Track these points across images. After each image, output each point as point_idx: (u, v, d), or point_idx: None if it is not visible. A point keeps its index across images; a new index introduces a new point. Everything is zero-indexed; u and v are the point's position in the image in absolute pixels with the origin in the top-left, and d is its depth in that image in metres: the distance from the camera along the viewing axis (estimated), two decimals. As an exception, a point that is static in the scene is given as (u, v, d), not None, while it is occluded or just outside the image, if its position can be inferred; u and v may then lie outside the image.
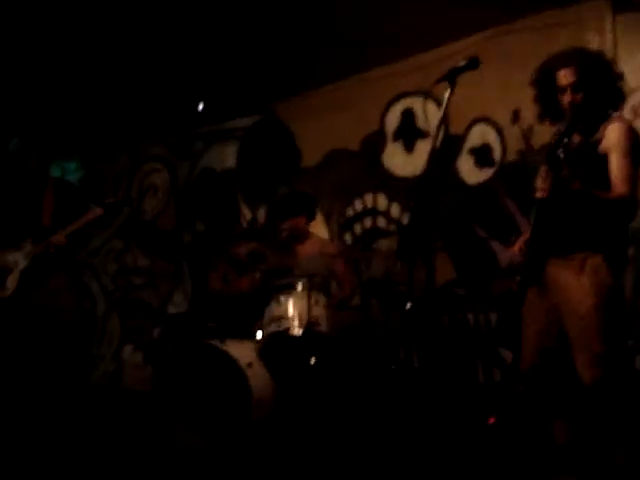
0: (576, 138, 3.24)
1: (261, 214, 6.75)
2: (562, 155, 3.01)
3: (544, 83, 3.37)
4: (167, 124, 7.21)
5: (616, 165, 3.11)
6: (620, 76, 3.34)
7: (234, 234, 6.68)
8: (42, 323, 4.32)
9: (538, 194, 3.07)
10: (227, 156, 7.04)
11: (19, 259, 4.33)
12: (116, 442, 4.60)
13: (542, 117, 3.49)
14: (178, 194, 7.39)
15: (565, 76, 3.24)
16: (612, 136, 3.15)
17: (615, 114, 3.31)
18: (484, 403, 4.64)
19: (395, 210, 5.82)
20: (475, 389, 5.10)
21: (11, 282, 4.31)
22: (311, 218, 5.34)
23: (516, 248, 3.39)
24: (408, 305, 3.28)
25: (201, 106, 6.64)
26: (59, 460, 3.99)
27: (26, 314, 4.32)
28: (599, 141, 3.18)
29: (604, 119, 3.24)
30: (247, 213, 6.83)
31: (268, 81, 6.16)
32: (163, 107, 6.70)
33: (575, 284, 3.12)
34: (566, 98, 3.24)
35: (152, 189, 7.55)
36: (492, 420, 4.06)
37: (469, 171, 5.46)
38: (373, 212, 5.99)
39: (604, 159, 3.14)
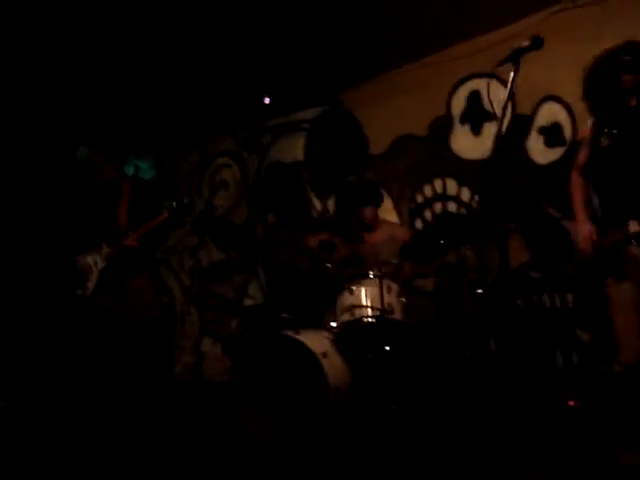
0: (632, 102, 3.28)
1: (331, 204, 6.78)
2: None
3: (606, 71, 3.34)
4: (235, 119, 7.31)
5: None
6: None
7: (305, 225, 6.74)
8: (125, 321, 4.50)
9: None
10: (295, 148, 7.09)
11: (98, 261, 4.54)
12: (197, 432, 4.72)
13: (594, 116, 3.51)
14: (249, 188, 7.49)
15: (628, 81, 3.26)
16: None
17: None
18: (563, 386, 4.58)
19: (465, 194, 5.77)
20: (554, 372, 5.03)
21: (91, 282, 4.53)
22: (378, 205, 5.35)
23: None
24: (479, 290, 3.26)
25: (267, 99, 6.73)
26: (143, 451, 4.12)
27: (108, 312, 4.49)
28: None
29: None
30: (317, 204, 6.87)
31: (332, 71, 6.17)
32: (230, 102, 6.79)
33: None
34: (628, 85, 3.25)
35: (223, 184, 7.67)
36: (572, 403, 4.02)
37: (539, 151, 5.36)
38: (443, 197, 5.95)
39: None
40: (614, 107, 3.32)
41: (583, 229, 3.64)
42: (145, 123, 7.07)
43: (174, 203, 4.54)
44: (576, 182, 3.83)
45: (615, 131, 3.38)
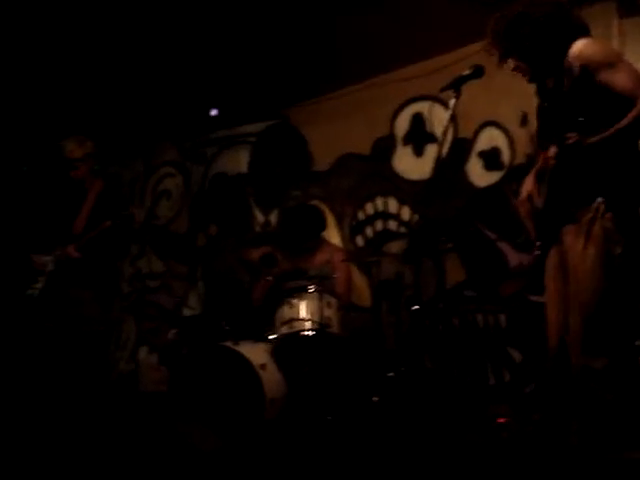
0: (550, 83, 3.16)
1: (273, 218, 6.84)
2: (546, 103, 3.04)
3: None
4: (180, 129, 7.30)
5: (614, 77, 2.91)
6: (562, 14, 3.11)
7: (247, 238, 6.77)
8: (64, 328, 4.46)
9: (550, 162, 2.99)
10: (240, 161, 7.13)
11: (49, 263, 4.51)
12: (132, 442, 4.68)
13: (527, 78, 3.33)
14: (192, 198, 7.48)
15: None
16: (583, 54, 2.96)
17: None
18: (495, 403, 4.70)
19: (405, 213, 5.89)
20: (485, 390, 5.16)
21: (40, 283, 4.49)
22: (320, 232, 5.45)
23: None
24: (415, 307, 3.34)
25: (214, 111, 6.76)
26: (76, 459, 4.08)
27: (50, 317, 4.46)
28: (571, 68, 2.99)
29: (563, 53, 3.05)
30: (260, 217, 6.92)
31: (280, 87, 6.23)
32: (177, 112, 6.78)
33: (580, 250, 2.98)
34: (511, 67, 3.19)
35: (166, 194, 7.66)
36: (501, 420, 4.14)
37: (478, 174, 5.52)
38: (384, 215, 6.06)
39: (585, 82, 2.96)
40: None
41: (522, 190, 3.36)
42: (90, 129, 7.00)
43: (118, 219, 4.52)
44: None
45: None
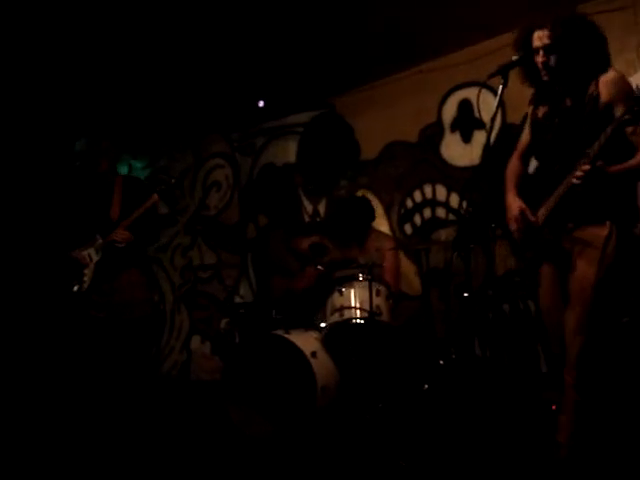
0: (568, 102, 3.27)
1: (322, 207, 6.87)
2: (557, 120, 3.14)
3: (522, 44, 3.36)
4: (228, 121, 7.38)
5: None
6: (603, 38, 3.26)
7: (296, 227, 6.82)
8: (116, 319, 4.52)
9: (575, 181, 3.08)
10: (288, 151, 7.17)
11: (92, 254, 4.54)
12: (184, 431, 4.79)
13: (523, 80, 3.49)
14: (241, 189, 7.56)
15: (539, 37, 3.25)
16: (612, 88, 3.14)
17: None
18: (547, 390, 4.66)
19: (454, 200, 5.86)
20: (538, 377, 5.12)
21: (88, 275, 4.53)
22: (370, 223, 5.47)
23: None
24: (465, 294, 3.36)
25: (261, 103, 6.81)
26: (130, 448, 4.18)
27: (99, 309, 4.53)
28: (597, 97, 3.15)
29: (591, 80, 3.20)
30: (309, 207, 6.96)
31: (326, 76, 6.24)
32: (224, 104, 6.85)
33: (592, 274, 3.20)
34: (539, 59, 3.25)
35: (216, 185, 7.75)
36: (555, 407, 4.10)
37: (528, 160, 5.46)
38: (432, 203, 6.05)
39: (607, 113, 3.12)
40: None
41: (512, 207, 3.57)
42: (140, 123, 7.12)
43: (162, 185, 4.58)
44: (514, 164, 3.81)
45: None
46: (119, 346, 4.49)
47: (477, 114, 5.51)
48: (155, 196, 4.53)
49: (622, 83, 3.16)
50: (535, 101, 3.53)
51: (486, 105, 3.56)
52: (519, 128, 3.96)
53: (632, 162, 3.07)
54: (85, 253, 4.54)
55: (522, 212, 3.43)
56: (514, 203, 3.52)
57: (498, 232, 5.26)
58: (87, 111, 6.54)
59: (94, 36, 5.27)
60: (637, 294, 3.62)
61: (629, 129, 3.06)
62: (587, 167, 3.00)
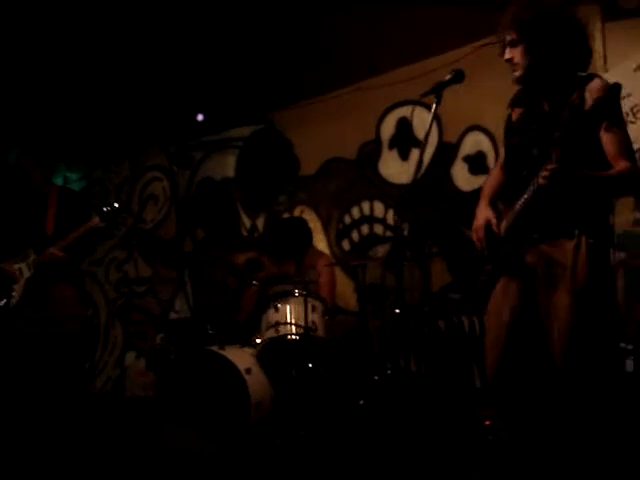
0: (545, 106, 3.01)
1: (260, 222, 6.85)
2: (535, 126, 2.91)
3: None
4: (167, 133, 7.31)
5: (613, 135, 2.81)
6: (582, 32, 2.96)
7: (233, 242, 6.79)
8: (48, 331, 4.41)
9: (542, 181, 2.72)
10: (227, 165, 7.15)
11: (24, 269, 4.43)
12: (118, 447, 4.69)
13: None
14: (178, 203, 7.49)
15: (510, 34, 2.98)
16: (600, 95, 2.68)
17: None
18: (481, 406, 4.71)
19: (391, 217, 5.91)
20: (472, 392, 5.17)
21: (17, 291, 4.41)
22: (308, 245, 5.49)
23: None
24: (397, 310, 3.35)
25: (200, 116, 6.78)
26: (62, 466, 4.07)
27: (30, 324, 4.41)
28: (581, 104, 2.72)
29: (572, 80, 2.91)
30: (247, 221, 6.93)
31: (266, 91, 6.25)
32: (163, 117, 6.79)
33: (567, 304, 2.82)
34: (505, 56, 3.03)
35: (153, 198, 7.66)
36: (488, 423, 4.15)
37: (463, 178, 5.55)
38: (370, 219, 6.09)
39: (590, 123, 2.72)
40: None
41: (478, 217, 3.26)
42: (76, 134, 7.02)
43: (106, 208, 4.42)
44: (493, 173, 3.47)
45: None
46: (50, 361, 4.39)
47: (413, 131, 5.66)
48: (96, 219, 4.40)
49: (611, 96, 2.72)
50: (512, 103, 3.26)
51: (423, 123, 3.58)
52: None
53: (610, 172, 2.78)
54: (16, 267, 4.42)
55: (487, 222, 3.16)
56: (481, 213, 3.23)
57: (434, 249, 5.34)
58: (19, 121, 6.40)
59: (25, 44, 5.18)
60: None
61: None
62: (554, 165, 2.68)
